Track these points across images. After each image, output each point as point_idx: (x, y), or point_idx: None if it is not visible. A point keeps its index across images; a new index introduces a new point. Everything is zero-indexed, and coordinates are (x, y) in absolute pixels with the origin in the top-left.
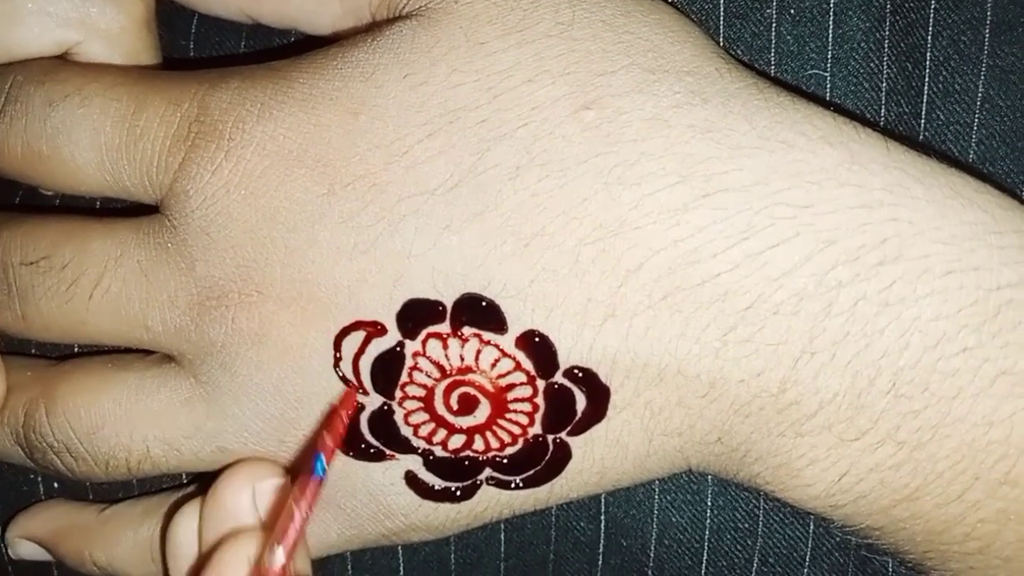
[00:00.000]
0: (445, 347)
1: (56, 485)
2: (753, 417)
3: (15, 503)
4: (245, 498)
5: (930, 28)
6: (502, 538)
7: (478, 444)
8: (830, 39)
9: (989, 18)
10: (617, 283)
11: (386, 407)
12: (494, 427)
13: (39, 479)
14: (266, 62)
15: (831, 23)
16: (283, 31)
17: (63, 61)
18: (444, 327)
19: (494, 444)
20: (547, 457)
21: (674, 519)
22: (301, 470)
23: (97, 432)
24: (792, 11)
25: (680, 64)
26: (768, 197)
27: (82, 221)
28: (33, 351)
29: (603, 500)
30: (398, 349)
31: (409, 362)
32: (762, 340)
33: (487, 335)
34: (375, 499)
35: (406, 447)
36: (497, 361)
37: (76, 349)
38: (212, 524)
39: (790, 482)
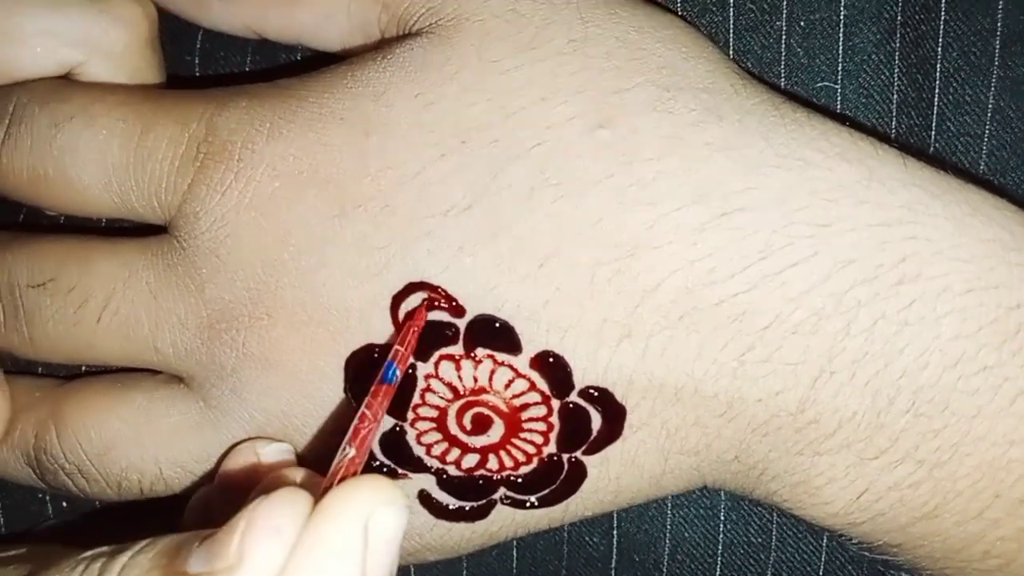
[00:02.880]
0: (458, 369)
1: (65, 505)
2: (771, 436)
3: (24, 524)
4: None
5: (940, 40)
6: (514, 554)
7: (492, 463)
8: (840, 52)
9: (999, 29)
10: (633, 303)
11: (398, 428)
12: (508, 446)
13: (48, 499)
14: (274, 79)
15: (841, 36)
16: (290, 47)
17: (67, 81)
18: (457, 349)
19: (508, 463)
20: (562, 476)
21: (687, 534)
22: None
23: (108, 453)
24: (802, 24)
25: (695, 81)
26: (786, 216)
27: (88, 241)
28: (40, 370)
29: (615, 515)
30: (410, 372)
31: (421, 384)
32: (780, 360)
33: (501, 356)
34: None
35: (419, 466)
36: (511, 382)
37: (84, 368)
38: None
39: (808, 500)
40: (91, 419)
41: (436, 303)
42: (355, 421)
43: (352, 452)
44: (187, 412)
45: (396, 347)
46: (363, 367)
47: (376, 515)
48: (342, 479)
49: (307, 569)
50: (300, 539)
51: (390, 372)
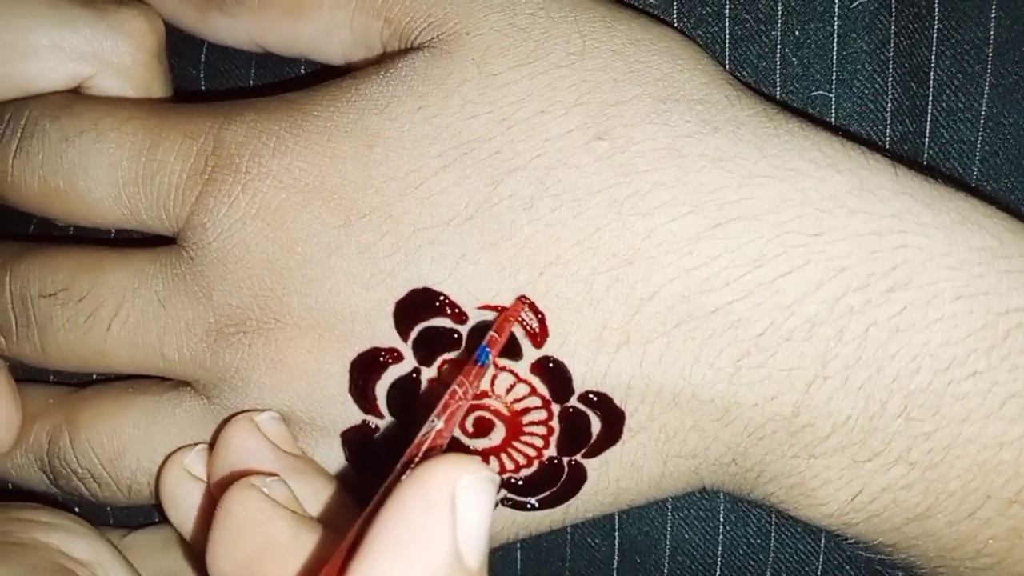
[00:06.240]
0: None
1: (76, 511)
2: (767, 440)
3: None
4: (254, 436)
5: (934, 48)
6: (518, 555)
7: (493, 466)
8: (834, 61)
9: (992, 38)
10: (631, 311)
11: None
12: (509, 449)
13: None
14: (278, 93)
15: (835, 45)
16: (293, 60)
17: (77, 95)
18: (459, 354)
19: (509, 466)
20: (562, 479)
21: (687, 535)
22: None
23: (120, 457)
24: (796, 33)
25: (690, 93)
26: (779, 226)
27: (99, 252)
28: (52, 378)
29: (617, 518)
30: (414, 375)
31: (425, 388)
32: (775, 366)
33: (502, 362)
34: None
35: None
36: (512, 386)
37: (95, 377)
38: (222, 464)
39: (804, 501)
40: (103, 424)
41: (439, 309)
42: (445, 396)
43: (440, 424)
44: (192, 409)
45: (492, 333)
46: (367, 369)
47: (464, 487)
48: (429, 450)
49: (396, 543)
50: (384, 511)
51: (483, 355)
